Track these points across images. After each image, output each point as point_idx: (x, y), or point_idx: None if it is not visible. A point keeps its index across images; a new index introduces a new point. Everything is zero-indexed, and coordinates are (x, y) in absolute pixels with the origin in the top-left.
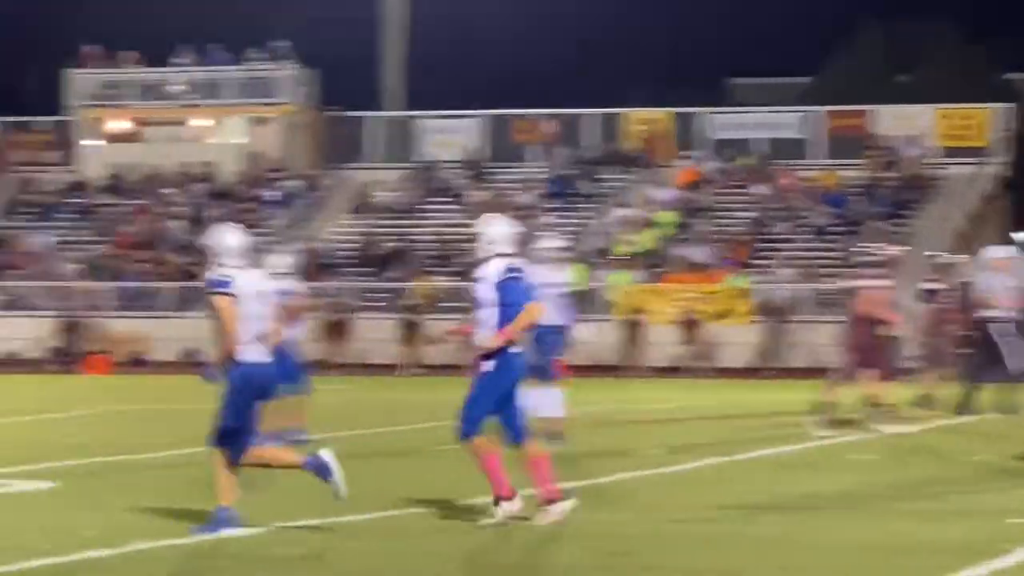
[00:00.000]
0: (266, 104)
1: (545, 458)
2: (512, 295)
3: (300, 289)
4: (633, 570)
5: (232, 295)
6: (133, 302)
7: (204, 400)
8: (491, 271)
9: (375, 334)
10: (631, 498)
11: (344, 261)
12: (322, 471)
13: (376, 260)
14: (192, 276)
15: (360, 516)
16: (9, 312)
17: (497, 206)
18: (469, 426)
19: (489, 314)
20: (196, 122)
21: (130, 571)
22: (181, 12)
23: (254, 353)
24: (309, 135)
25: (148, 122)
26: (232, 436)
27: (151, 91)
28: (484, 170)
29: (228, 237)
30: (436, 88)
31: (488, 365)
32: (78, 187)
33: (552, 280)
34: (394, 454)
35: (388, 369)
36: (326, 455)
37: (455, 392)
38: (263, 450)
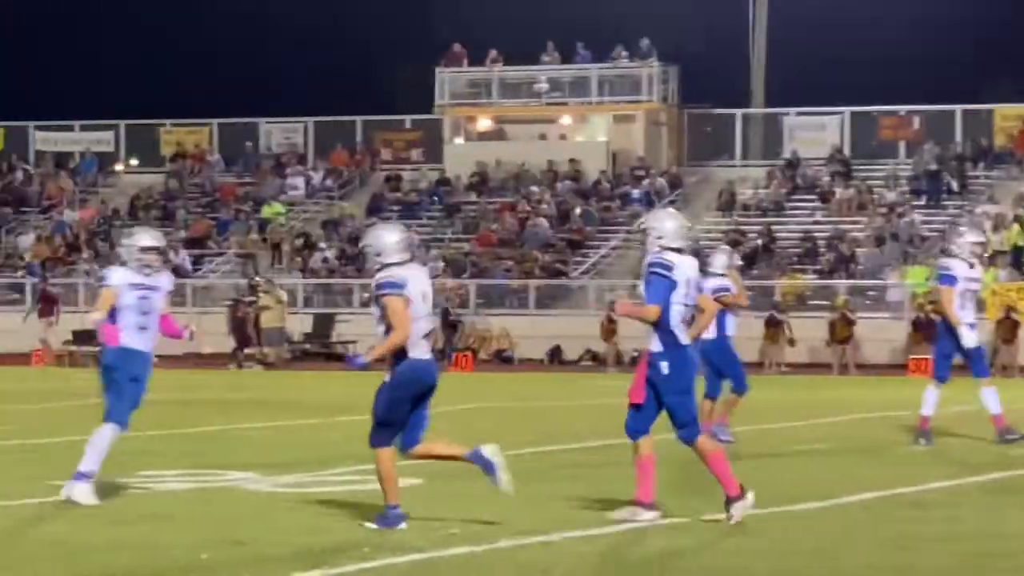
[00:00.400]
0: (630, 102)
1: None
2: (647, 289)
3: (735, 288)
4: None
5: (406, 296)
6: (498, 300)
7: (569, 397)
8: (645, 265)
9: (737, 332)
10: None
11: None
12: (487, 467)
13: (741, 258)
14: (558, 274)
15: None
16: (371, 310)
17: (862, 203)
18: (689, 432)
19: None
20: (561, 120)
21: (495, 568)
22: (548, 11)
23: (419, 350)
24: (672, 132)
25: (513, 120)
26: (386, 430)
27: (516, 90)
28: (850, 167)
29: (388, 235)
30: (800, 84)
31: (663, 368)
32: (443, 184)
33: (971, 276)
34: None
35: (753, 368)
36: (490, 450)
37: (812, 392)
38: (430, 444)
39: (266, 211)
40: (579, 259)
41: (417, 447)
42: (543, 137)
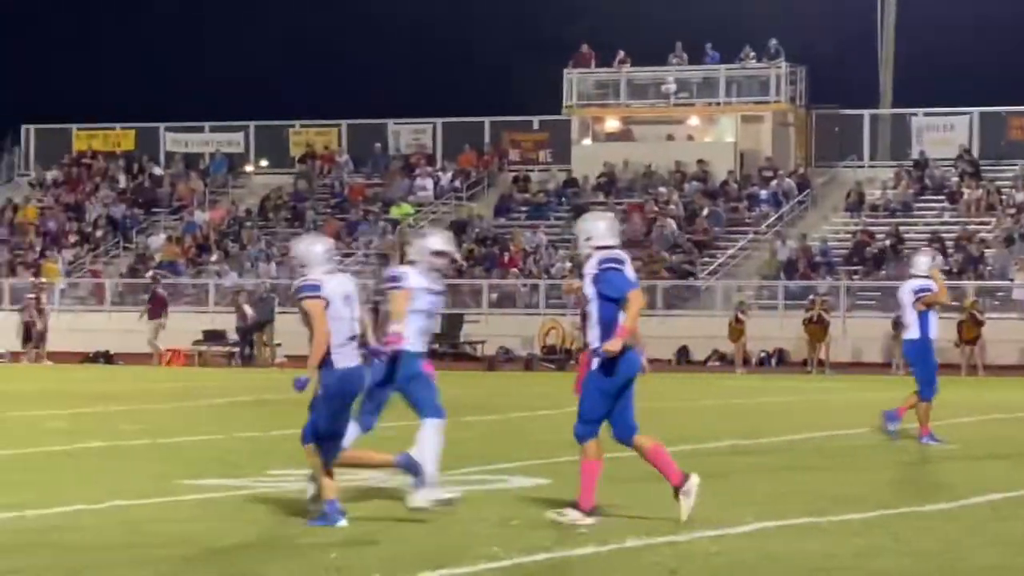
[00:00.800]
0: (758, 102)
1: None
2: (608, 285)
3: (936, 288)
4: None
5: (323, 299)
6: None
7: (697, 397)
8: (591, 266)
9: (866, 333)
10: None
11: (836, 259)
12: (412, 469)
13: (868, 258)
14: (685, 274)
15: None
16: (500, 310)
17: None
18: (584, 428)
19: (593, 309)
20: (689, 121)
21: (622, 568)
22: (675, 12)
23: (346, 357)
24: (800, 133)
25: (641, 121)
26: (327, 439)
27: (644, 90)
28: (979, 167)
29: (314, 245)
30: (928, 84)
31: (595, 363)
32: (571, 185)
33: None
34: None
35: (882, 368)
36: (416, 454)
37: (940, 393)
38: (354, 452)
39: (395, 212)
40: (706, 260)
41: (344, 455)
42: (671, 138)
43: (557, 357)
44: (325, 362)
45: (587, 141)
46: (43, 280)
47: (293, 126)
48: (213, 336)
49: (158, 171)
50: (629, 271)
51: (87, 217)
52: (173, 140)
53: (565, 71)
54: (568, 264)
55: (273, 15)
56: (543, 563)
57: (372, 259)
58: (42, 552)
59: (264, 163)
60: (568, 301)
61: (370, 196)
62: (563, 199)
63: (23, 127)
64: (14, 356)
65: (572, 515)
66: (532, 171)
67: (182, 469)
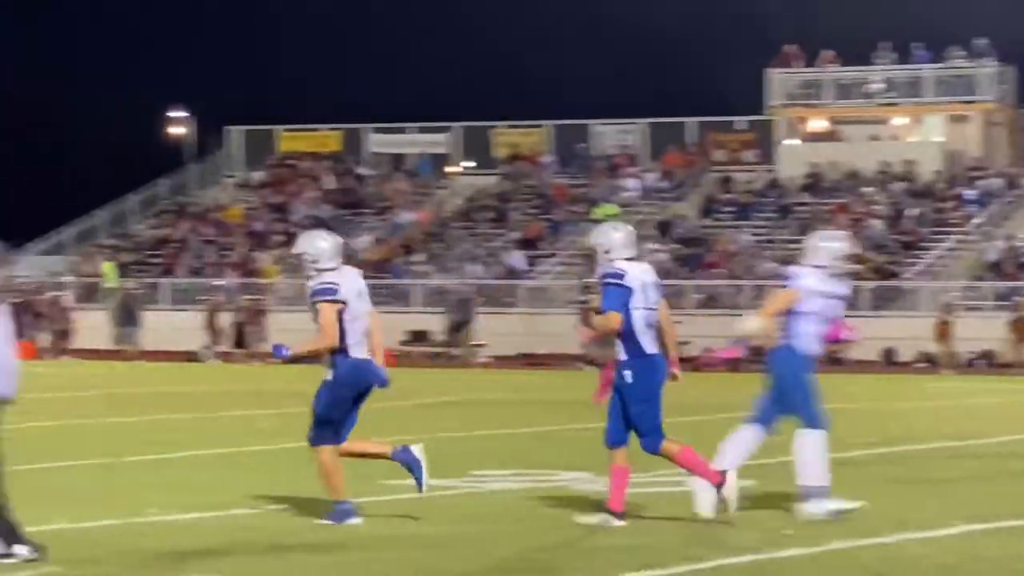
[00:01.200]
0: (965, 102)
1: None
2: (604, 300)
3: None
4: None
5: (340, 302)
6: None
7: (903, 399)
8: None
9: None
10: None
11: None
12: (409, 463)
13: None
14: (891, 275)
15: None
16: (704, 310)
17: None
18: (650, 441)
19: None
20: (895, 121)
21: (829, 570)
22: (880, 11)
23: (360, 351)
24: (1009, 133)
25: (847, 121)
26: (323, 424)
27: (849, 90)
28: None
29: (321, 242)
30: None
31: (628, 377)
32: (776, 186)
33: None
34: None
35: None
36: (416, 449)
37: None
38: (353, 442)
39: (598, 212)
40: (912, 260)
41: (342, 444)
42: (876, 138)
43: (764, 357)
44: (340, 352)
45: (792, 141)
46: (262, 280)
47: (498, 127)
48: (418, 336)
49: (364, 172)
50: (632, 280)
51: (292, 218)
52: (379, 141)
53: (770, 71)
54: (774, 265)
55: (478, 17)
56: (747, 565)
57: (576, 260)
58: (250, 551)
59: (469, 164)
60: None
61: (574, 197)
62: (768, 199)
63: (229, 129)
64: (224, 356)
65: (602, 516)
66: (737, 171)
67: (387, 470)
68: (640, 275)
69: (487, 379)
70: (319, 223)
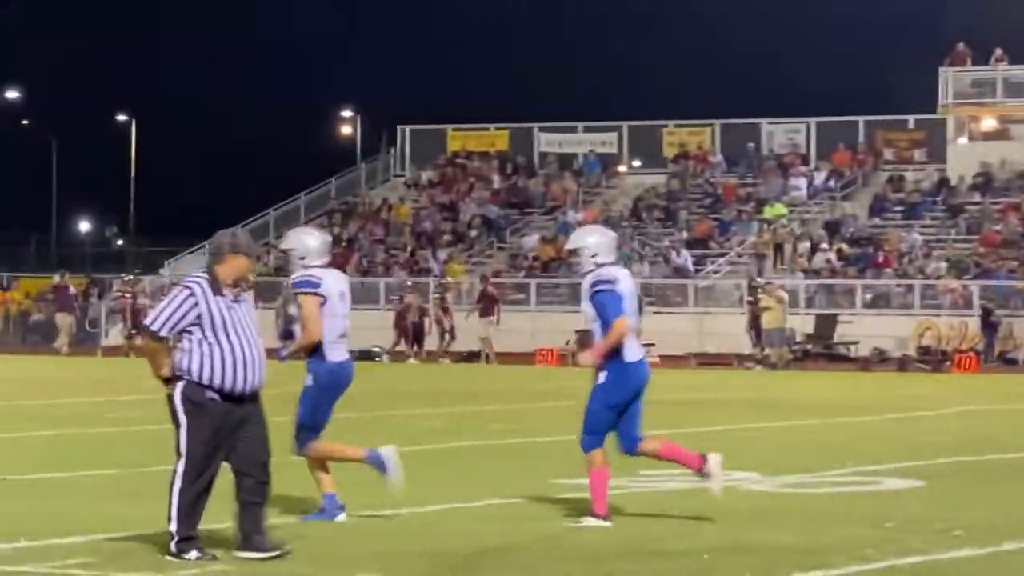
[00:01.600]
0: None
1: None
2: (600, 309)
3: None
4: None
5: (320, 295)
6: (1002, 301)
7: None
8: (586, 284)
9: None
10: None
11: None
12: (379, 467)
13: None
14: None
15: None
16: (874, 310)
17: None
18: (589, 441)
19: (596, 328)
20: None
21: (1000, 572)
22: None
23: (338, 352)
24: None
25: (1018, 120)
26: (307, 430)
27: (1021, 89)
28: None
29: (309, 239)
30: None
31: (602, 377)
32: (946, 185)
33: None
34: None
35: None
36: (386, 452)
37: None
38: (325, 444)
39: (768, 212)
40: None
41: (311, 446)
42: None
43: (932, 358)
44: (316, 354)
45: (963, 140)
46: (449, 280)
47: (667, 126)
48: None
49: (532, 171)
50: (624, 287)
51: (461, 217)
52: (547, 140)
53: (941, 69)
54: (944, 265)
55: (645, 18)
56: (917, 565)
57: (745, 259)
58: (418, 550)
59: (637, 163)
60: (943, 302)
61: (743, 196)
62: (938, 199)
63: (399, 128)
64: (395, 355)
65: (591, 521)
66: (907, 170)
67: (554, 468)
68: (626, 281)
69: (656, 379)
70: (486, 222)
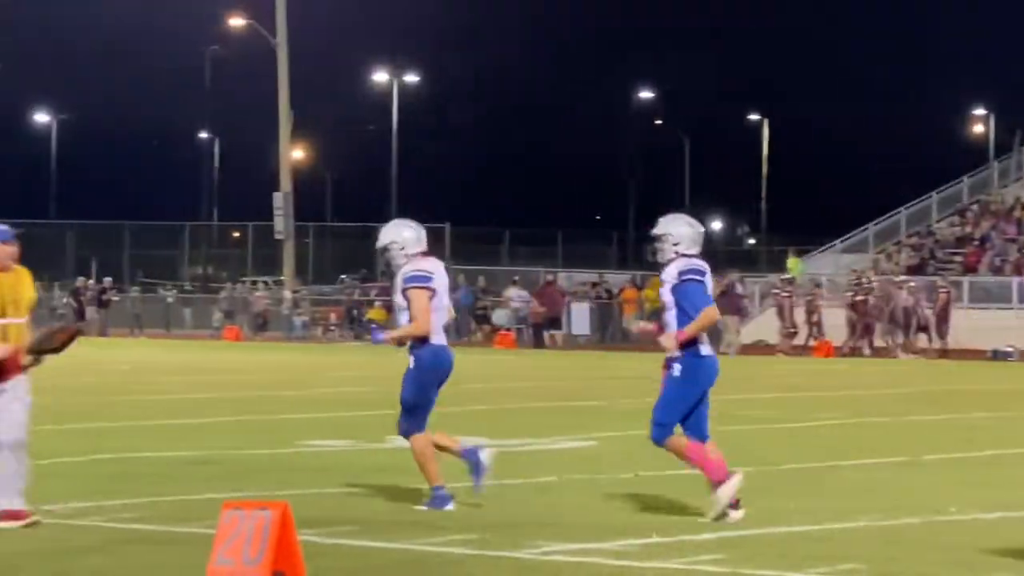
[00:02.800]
0: None
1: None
2: (686, 298)
3: None
4: None
5: (431, 289)
6: None
7: None
8: (671, 273)
9: None
10: None
11: None
12: (474, 467)
13: None
14: None
15: None
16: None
17: None
18: (659, 431)
19: (671, 317)
20: None
21: None
22: None
23: (439, 337)
24: None
25: None
26: (412, 411)
27: None
28: None
29: (405, 230)
30: None
31: (675, 370)
32: None
33: None
34: None
35: None
36: (484, 453)
37: None
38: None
39: None
40: None
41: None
42: None
43: None
44: (423, 339)
45: None
46: None
47: None
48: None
49: None
50: (709, 282)
51: None
52: None
53: None
54: None
55: None
56: None
57: None
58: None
59: None
60: None
61: None
62: None
63: None
64: None
65: (721, 494)
66: None
67: None
68: (708, 275)
69: None
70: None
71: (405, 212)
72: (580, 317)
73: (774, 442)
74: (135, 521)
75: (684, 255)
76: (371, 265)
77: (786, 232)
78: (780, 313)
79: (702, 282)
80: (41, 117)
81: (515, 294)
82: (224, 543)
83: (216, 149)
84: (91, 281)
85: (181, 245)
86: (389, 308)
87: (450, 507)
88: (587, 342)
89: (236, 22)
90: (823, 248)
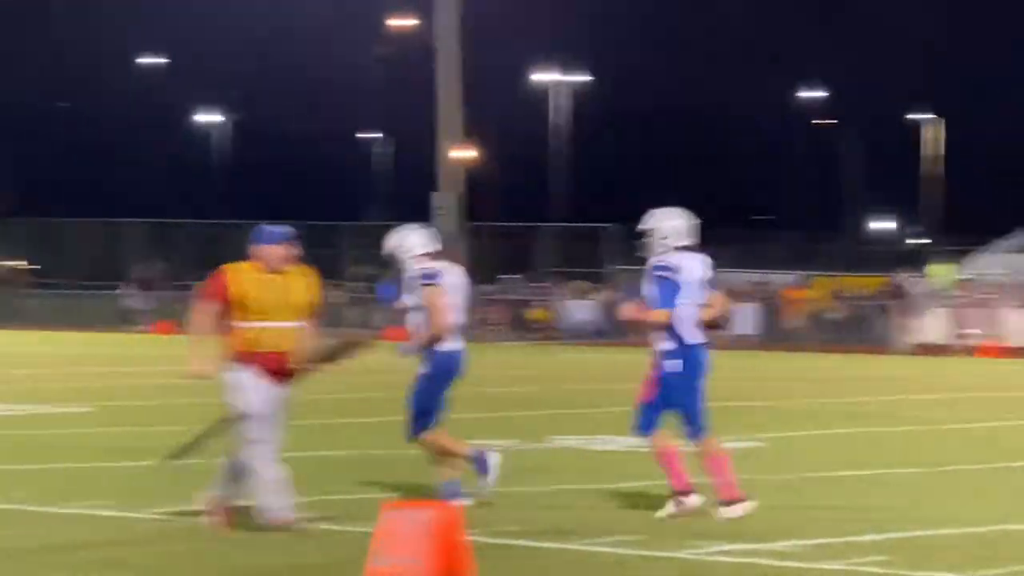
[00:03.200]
0: None
1: (725, 457)
2: (655, 294)
3: None
4: None
5: (441, 287)
6: None
7: None
8: (647, 267)
9: None
10: None
11: None
12: (480, 467)
13: None
14: None
15: None
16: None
17: None
18: (643, 423)
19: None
20: None
21: None
22: None
23: (451, 341)
24: None
25: None
26: (421, 416)
27: None
28: None
29: (411, 234)
30: None
31: (672, 365)
32: None
33: None
34: None
35: None
36: (492, 456)
37: None
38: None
39: None
40: None
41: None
42: None
43: None
44: (431, 344)
45: None
46: None
47: None
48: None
49: None
50: (690, 277)
51: None
52: None
53: None
54: None
55: None
56: None
57: None
58: None
59: None
60: None
61: None
62: None
63: None
64: None
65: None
66: None
67: None
68: (694, 270)
69: None
70: None
71: (568, 213)
72: (744, 317)
73: (943, 443)
74: (300, 521)
75: (672, 248)
76: (534, 265)
77: (958, 231)
78: (954, 314)
79: (671, 279)
80: (208, 117)
81: None
82: (383, 543)
83: (380, 149)
84: None
85: (343, 245)
86: (550, 308)
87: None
88: (751, 342)
89: (400, 22)
90: (985, 248)
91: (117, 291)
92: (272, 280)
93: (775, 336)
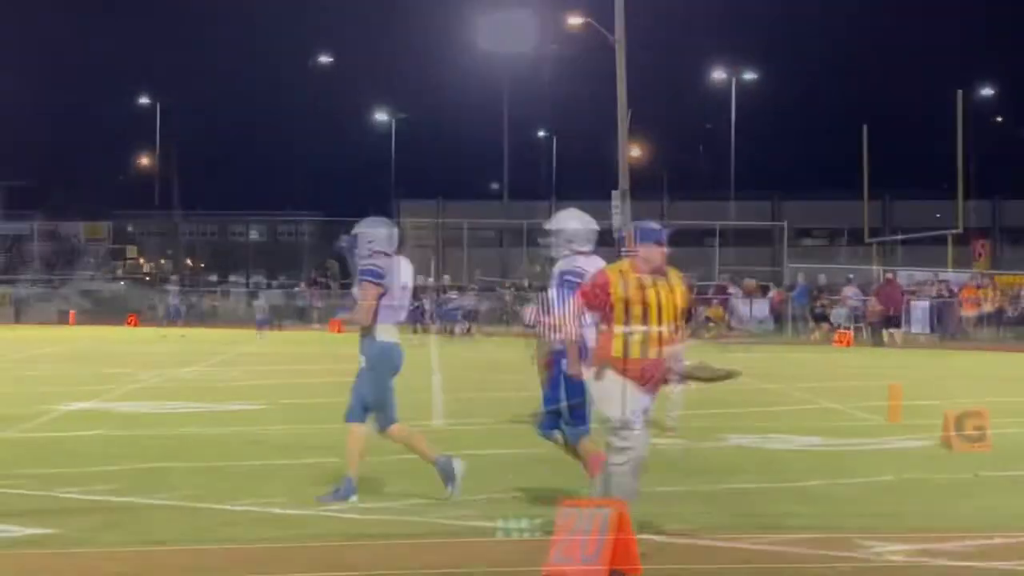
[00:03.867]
0: None
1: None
2: (561, 298)
3: None
4: None
5: (381, 286)
6: None
7: None
8: (555, 271)
9: None
10: None
11: None
12: (446, 475)
13: None
14: None
15: None
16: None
17: None
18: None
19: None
20: None
21: None
22: None
23: (389, 335)
24: None
25: None
26: (362, 408)
27: None
28: None
29: (381, 227)
30: None
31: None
32: None
33: None
34: None
35: None
36: (457, 463)
37: None
38: (403, 431)
39: None
40: None
41: (394, 428)
42: None
43: None
44: (368, 334)
45: None
46: None
47: None
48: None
49: None
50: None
51: None
52: None
53: None
54: None
55: None
56: None
57: None
58: None
59: None
60: None
61: None
62: None
63: None
64: None
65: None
66: None
67: None
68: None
69: None
70: None
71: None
72: (920, 315)
73: None
74: (470, 518)
75: (579, 252)
76: (708, 263)
77: None
78: None
79: (579, 284)
80: (380, 116)
81: (851, 292)
82: (561, 541)
83: (553, 147)
84: (430, 279)
85: (512, 243)
86: (725, 306)
87: (354, 499)
88: (927, 340)
89: (574, 20)
90: None
91: (296, 290)
92: (653, 282)
93: (951, 333)
